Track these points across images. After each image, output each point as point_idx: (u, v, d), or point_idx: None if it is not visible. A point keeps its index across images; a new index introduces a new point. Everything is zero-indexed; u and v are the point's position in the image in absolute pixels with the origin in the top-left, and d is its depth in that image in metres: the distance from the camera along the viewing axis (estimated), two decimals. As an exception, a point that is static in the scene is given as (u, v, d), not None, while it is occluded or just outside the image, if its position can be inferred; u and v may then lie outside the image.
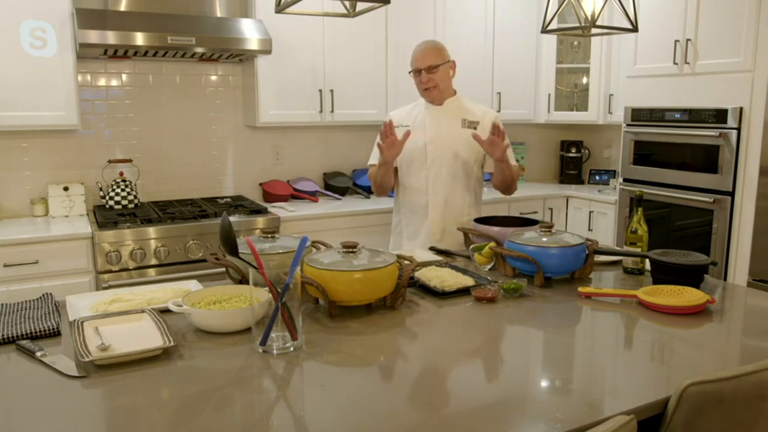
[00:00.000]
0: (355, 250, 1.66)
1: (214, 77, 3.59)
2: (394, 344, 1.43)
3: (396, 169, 2.57)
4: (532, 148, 4.73)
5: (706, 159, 3.30)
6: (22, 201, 3.20)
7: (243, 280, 1.81)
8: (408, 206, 2.59)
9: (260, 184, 3.75)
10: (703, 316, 1.61)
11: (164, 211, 3.11)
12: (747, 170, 3.12)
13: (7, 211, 3.18)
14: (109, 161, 3.35)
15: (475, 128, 2.50)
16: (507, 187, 2.53)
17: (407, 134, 2.34)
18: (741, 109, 3.12)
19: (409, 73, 2.52)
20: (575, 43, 4.36)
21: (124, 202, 3.19)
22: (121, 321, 1.51)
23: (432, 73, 2.45)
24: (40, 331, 1.46)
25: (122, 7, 3.01)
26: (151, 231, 2.89)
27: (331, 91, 3.55)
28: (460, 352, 1.38)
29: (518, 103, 4.24)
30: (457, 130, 2.50)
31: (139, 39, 2.83)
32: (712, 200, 3.27)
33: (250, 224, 3.11)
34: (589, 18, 2.11)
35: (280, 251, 1.75)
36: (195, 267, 2.98)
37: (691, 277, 1.79)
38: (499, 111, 4.11)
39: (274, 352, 1.37)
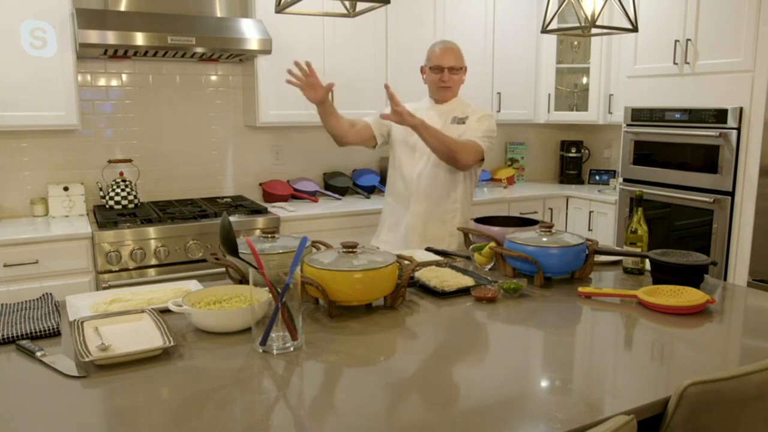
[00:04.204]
0: (355, 250, 1.66)
1: (214, 77, 3.58)
2: (394, 344, 1.43)
3: (374, 140, 2.60)
4: (532, 148, 4.73)
5: (706, 159, 3.30)
6: (22, 201, 3.20)
7: (243, 280, 1.81)
8: (393, 196, 2.64)
9: (260, 184, 3.75)
10: (703, 316, 1.61)
11: (164, 211, 3.11)
12: (747, 170, 3.12)
13: (7, 211, 3.18)
14: (109, 161, 3.35)
15: (463, 122, 2.51)
16: (445, 157, 2.39)
17: (330, 85, 2.36)
18: (741, 109, 3.11)
19: (427, 67, 2.52)
20: (575, 43, 4.36)
21: (124, 202, 3.19)
22: (121, 321, 1.51)
23: (453, 74, 2.48)
24: (40, 331, 1.46)
25: (122, 7, 3.01)
26: (151, 231, 2.89)
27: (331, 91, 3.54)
28: (460, 352, 1.38)
29: (518, 103, 4.24)
30: (446, 125, 2.51)
31: (139, 39, 2.83)
32: (712, 200, 3.27)
33: (250, 224, 3.11)
34: (589, 18, 2.11)
35: (280, 251, 1.75)
36: (195, 267, 2.98)
37: (691, 277, 1.79)
38: (499, 111, 4.11)
39: (274, 352, 1.37)
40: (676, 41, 3.38)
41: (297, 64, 2.34)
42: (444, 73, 2.47)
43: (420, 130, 2.33)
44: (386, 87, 2.34)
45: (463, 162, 2.42)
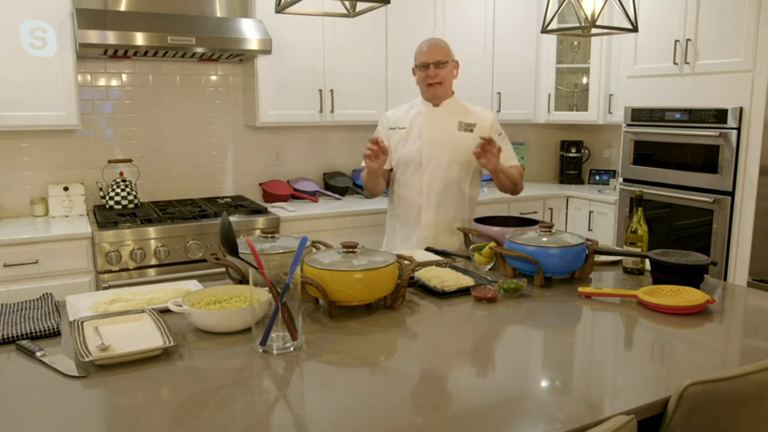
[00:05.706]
0: (355, 250, 1.66)
1: (214, 77, 3.59)
2: (394, 344, 1.43)
3: (391, 170, 2.59)
4: (532, 148, 4.73)
5: (706, 159, 3.30)
6: (22, 201, 3.20)
7: (243, 280, 1.81)
8: (402, 209, 2.59)
9: (260, 184, 3.75)
10: (703, 316, 1.61)
11: (164, 211, 3.11)
12: (747, 170, 3.12)
13: (7, 211, 3.18)
14: (109, 161, 3.35)
15: (471, 131, 2.50)
16: (509, 191, 2.57)
17: (386, 147, 2.36)
18: (741, 109, 3.12)
19: (415, 67, 2.52)
20: (575, 43, 4.36)
21: (124, 202, 3.19)
22: (121, 321, 1.51)
23: (440, 68, 2.45)
24: (40, 331, 1.46)
25: (122, 7, 3.01)
26: (151, 231, 2.89)
27: (331, 91, 3.55)
28: (460, 352, 1.38)
29: (518, 103, 4.24)
30: (453, 133, 2.49)
31: (139, 39, 2.83)
32: (712, 200, 3.27)
33: (250, 224, 3.11)
34: (589, 18, 2.11)
35: (280, 251, 1.75)
36: (195, 267, 2.98)
37: (691, 277, 1.79)
38: (499, 111, 4.11)
39: (274, 352, 1.37)
40: (676, 41, 3.38)
41: (373, 140, 2.36)
42: (429, 68, 2.46)
43: (498, 174, 2.41)
44: (484, 138, 2.28)
45: (520, 190, 2.59)
